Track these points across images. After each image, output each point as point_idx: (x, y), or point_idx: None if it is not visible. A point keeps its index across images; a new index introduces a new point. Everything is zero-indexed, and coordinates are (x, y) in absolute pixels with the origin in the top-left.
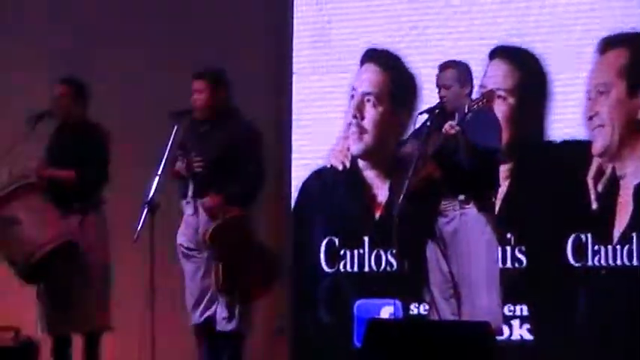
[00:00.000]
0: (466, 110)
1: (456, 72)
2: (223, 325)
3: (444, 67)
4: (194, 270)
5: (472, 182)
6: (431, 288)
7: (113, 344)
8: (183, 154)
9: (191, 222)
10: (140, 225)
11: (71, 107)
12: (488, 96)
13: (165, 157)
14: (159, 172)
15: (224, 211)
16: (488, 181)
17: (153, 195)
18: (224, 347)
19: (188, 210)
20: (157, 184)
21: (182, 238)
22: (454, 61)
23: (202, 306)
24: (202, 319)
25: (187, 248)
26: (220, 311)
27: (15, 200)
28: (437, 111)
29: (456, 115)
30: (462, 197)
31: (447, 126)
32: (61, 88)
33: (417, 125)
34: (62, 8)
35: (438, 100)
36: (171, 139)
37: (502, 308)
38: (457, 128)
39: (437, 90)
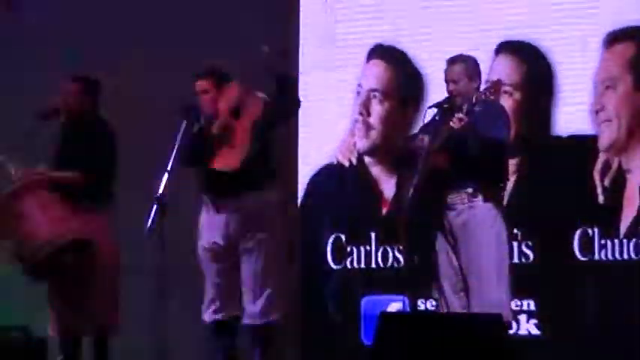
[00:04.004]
0: (474, 101)
1: (464, 66)
2: (259, 319)
3: (452, 61)
4: (223, 267)
5: (480, 174)
6: (441, 282)
7: (123, 343)
8: None
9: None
10: (150, 221)
11: (80, 104)
12: (496, 86)
13: (174, 152)
14: (168, 168)
15: None
16: (497, 174)
17: (163, 191)
18: (257, 342)
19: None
20: (167, 180)
21: (213, 237)
22: (462, 56)
23: (230, 303)
24: (228, 315)
25: (219, 246)
26: (257, 304)
27: (25, 196)
28: (446, 105)
29: (464, 108)
30: (470, 190)
31: (454, 118)
32: (70, 85)
33: (426, 120)
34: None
35: (445, 96)
36: (180, 134)
37: (510, 302)
38: (465, 119)
39: (445, 84)
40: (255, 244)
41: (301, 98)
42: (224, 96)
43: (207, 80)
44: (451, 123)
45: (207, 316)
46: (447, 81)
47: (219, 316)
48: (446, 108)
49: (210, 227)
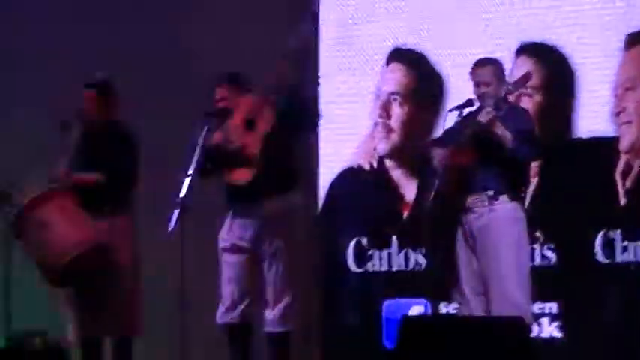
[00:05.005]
0: (504, 93)
1: (493, 68)
2: (275, 326)
3: (480, 64)
4: (240, 269)
5: (502, 177)
6: (462, 285)
7: (143, 349)
8: None
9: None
10: (172, 225)
11: (97, 110)
12: (525, 78)
13: (195, 157)
14: (190, 173)
15: None
16: (519, 177)
17: (185, 196)
18: (274, 349)
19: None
20: (188, 185)
21: (233, 239)
22: (490, 58)
23: (243, 306)
24: (241, 319)
25: (238, 248)
26: (274, 312)
27: (48, 203)
28: (471, 108)
29: (489, 109)
30: (490, 192)
31: (483, 112)
32: (86, 92)
33: (447, 122)
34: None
35: (465, 98)
36: (202, 138)
37: (531, 305)
38: (493, 113)
39: (474, 87)
40: (276, 251)
41: (321, 110)
42: (240, 106)
43: (226, 88)
44: (479, 117)
45: (220, 317)
46: (476, 83)
47: (229, 318)
48: (470, 111)
49: (231, 230)
